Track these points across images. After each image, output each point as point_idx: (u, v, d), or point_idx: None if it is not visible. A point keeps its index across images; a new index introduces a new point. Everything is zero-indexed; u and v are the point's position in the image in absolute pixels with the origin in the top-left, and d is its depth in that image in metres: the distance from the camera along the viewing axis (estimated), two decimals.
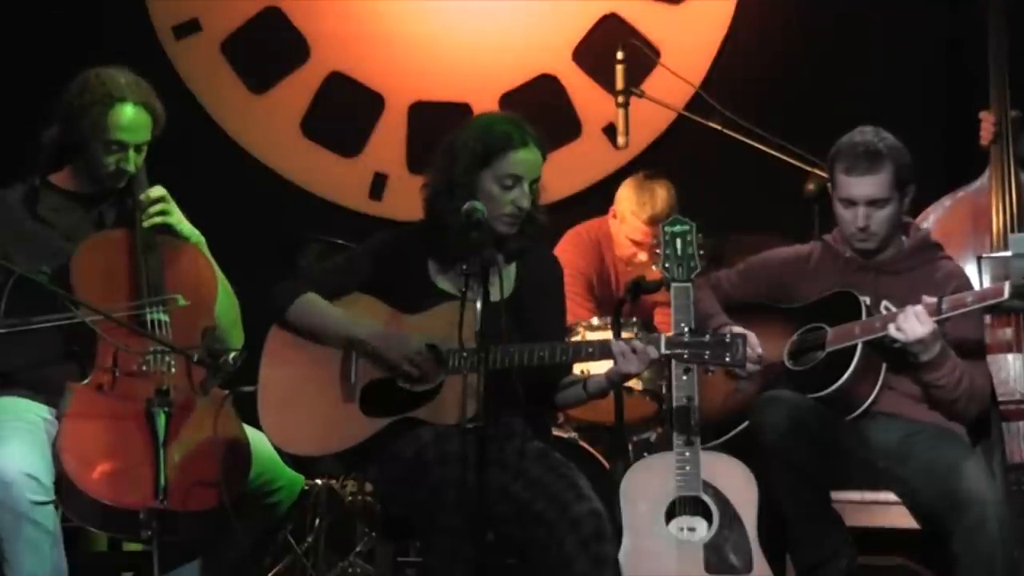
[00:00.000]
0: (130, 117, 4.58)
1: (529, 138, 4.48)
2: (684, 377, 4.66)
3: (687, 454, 4.64)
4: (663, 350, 4.37)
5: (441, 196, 4.45)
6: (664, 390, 5.31)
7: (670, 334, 4.43)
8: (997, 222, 5.21)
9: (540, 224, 4.56)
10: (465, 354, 4.30)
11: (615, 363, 4.41)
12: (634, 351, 4.36)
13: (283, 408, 4.47)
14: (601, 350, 4.43)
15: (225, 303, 4.71)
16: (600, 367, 4.57)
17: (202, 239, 4.75)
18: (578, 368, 4.73)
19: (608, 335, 5.38)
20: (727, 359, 4.33)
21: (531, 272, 4.60)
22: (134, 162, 4.61)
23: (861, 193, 4.71)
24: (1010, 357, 5.10)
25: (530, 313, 4.50)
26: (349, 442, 4.42)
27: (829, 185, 4.85)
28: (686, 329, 4.45)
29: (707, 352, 4.34)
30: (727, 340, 4.33)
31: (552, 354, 4.37)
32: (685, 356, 4.39)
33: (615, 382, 4.51)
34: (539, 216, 4.55)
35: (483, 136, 4.48)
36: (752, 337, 4.67)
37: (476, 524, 4.07)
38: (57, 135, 4.65)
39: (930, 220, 5.31)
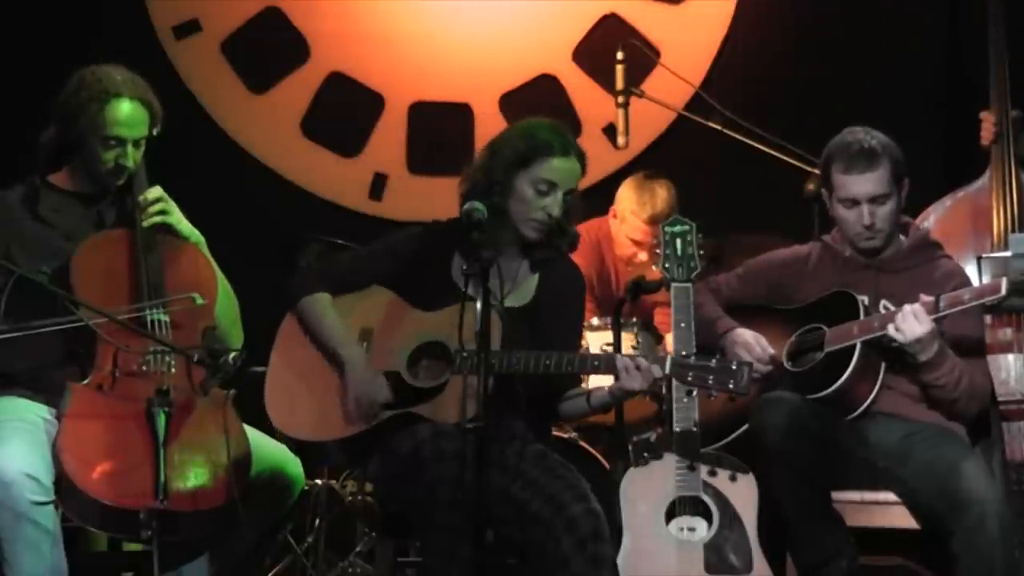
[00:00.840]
0: (127, 112, 4.58)
1: (571, 149, 4.52)
2: (686, 406, 4.66)
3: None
4: (667, 370, 4.36)
5: (476, 193, 4.46)
6: (664, 390, 5.31)
7: (675, 355, 4.42)
8: (997, 222, 5.21)
9: (570, 237, 4.59)
10: (466, 355, 4.29)
11: (617, 379, 4.40)
12: (638, 368, 4.35)
13: (287, 392, 4.50)
14: (606, 364, 4.42)
15: (225, 303, 4.70)
16: (603, 380, 4.57)
17: (202, 239, 4.75)
18: None
19: (608, 335, 5.40)
20: (731, 386, 4.30)
21: (552, 282, 4.60)
22: (133, 158, 4.61)
23: (863, 191, 4.71)
24: (1010, 357, 5.09)
25: (546, 322, 4.50)
26: (347, 430, 4.43)
27: (824, 191, 4.84)
28: (692, 352, 4.45)
29: (711, 377, 4.32)
30: (733, 367, 4.31)
31: (558, 364, 4.37)
32: (689, 378, 4.37)
33: (617, 397, 4.51)
34: (571, 229, 4.57)
35: (526, 138, 4.52)
36: (762, 339, 4.68)
37: (474, 523, 4.07)
38: (55, 135, 4.65)
39: (931, 220, 5.31)
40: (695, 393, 4.64)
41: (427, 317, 4.47)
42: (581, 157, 4.54)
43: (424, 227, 4.68)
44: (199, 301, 4.53)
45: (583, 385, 4.70)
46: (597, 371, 4.52)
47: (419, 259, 4.55)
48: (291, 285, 4.58)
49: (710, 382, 4.33)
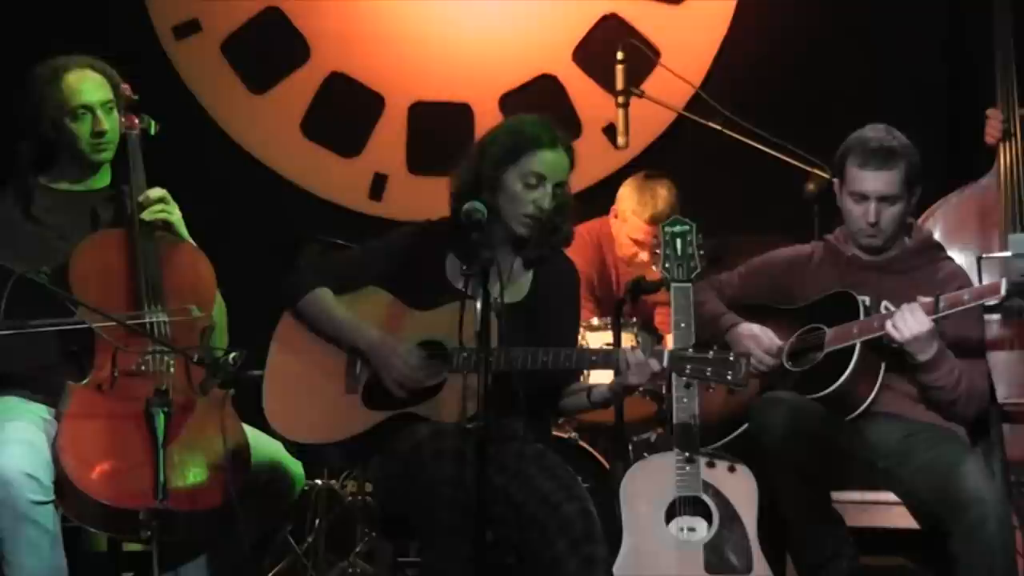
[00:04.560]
0: (84, 79, 4.60)
1: (559, 142, 4.51)
2: (686, 400, 4.66)
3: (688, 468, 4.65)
4: (665, 364, 4.36)
5: (467, 191, 4.46)
6: (664, 390, 5.31)
7: (673, 348, 4.42)
8: (1003, 221, 5.20)
9: (564, 235, 4.59)
10: (466, 354, 4.29)
11: (617, 373, 4.39)
12: (636, 363, 4.35)
13: (287, 395, 4.49)
14: (604, 359, 4.42)
15: (216, 309, 4.70)
16: (603, 376, 4.56)
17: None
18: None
19: (608, 335, 5.40)
20: (728, 378, 4.31)
21: (547, 277, 4.59)
22: (109, 124, 4.61)
23: (874, 188, 4.72)
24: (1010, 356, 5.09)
25: (543, 319, 4.50)
26: (347, 432, 4.42)
27: (836, 181, 4.84)
28: (691, 345, 4.45)
29: (709, 369, 4.33)
30: (730, 359, 4.31)
31: (555, 360, 4.37)
32: (687, 371, 4.38)
33: (617, 392, 4.50)
34: (564, 227, 4.56)
35: (514, 133, 4.52)
36: (768, 331, 4.68)
37: (474, 523, 4.07)
38: (33, 136, 4.65)
39: (936, 217, 5.29)
40: (695, 385, 4.64)
41: (423, 317, 4.47)
42: (569, 150, 4.53)
43: (418, 226, 4.67)
44: (196, 313, 4.53)
45: (583, 380, 4.69)
46: (595, 366, 4.52)
47: (413, 258, 4.54)
48: (288, 285, 4.54)
49: (708, 374, 4.33)
